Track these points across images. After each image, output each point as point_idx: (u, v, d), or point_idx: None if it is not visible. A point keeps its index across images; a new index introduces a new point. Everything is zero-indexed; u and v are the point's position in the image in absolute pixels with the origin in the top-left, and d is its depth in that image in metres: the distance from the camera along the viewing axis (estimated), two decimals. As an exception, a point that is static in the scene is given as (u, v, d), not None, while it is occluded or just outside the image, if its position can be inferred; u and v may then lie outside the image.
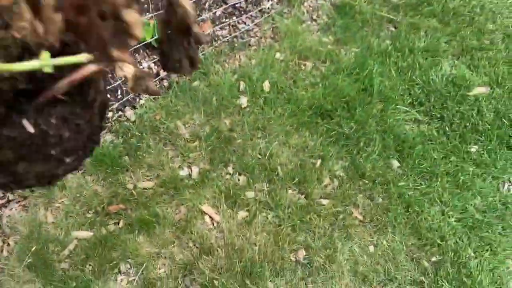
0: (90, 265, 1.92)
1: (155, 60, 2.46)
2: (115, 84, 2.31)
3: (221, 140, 2.21)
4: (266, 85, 2.36)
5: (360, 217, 2.00)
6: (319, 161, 2.15)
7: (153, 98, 2.36)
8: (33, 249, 1.91)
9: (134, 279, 1.90)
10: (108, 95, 2.36)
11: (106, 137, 2.23)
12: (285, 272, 1.87)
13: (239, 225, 1.99)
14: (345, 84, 2.34)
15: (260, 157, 2.17)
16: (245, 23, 2.66)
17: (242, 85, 2.37)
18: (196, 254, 1.93)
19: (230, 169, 2.15)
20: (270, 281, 1.86)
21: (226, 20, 2.63)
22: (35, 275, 1.88)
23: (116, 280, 1.90)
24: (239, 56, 2.51)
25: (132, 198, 2.05)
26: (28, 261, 1.89)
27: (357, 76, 2.38)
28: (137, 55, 2.52)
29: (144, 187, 2.09)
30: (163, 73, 2.45)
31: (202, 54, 2.51)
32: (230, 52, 2.53)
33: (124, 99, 2.32)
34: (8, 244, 1.97)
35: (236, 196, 2.05)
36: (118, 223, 2.02)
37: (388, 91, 2.33)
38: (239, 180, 2.12)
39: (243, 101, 2.33)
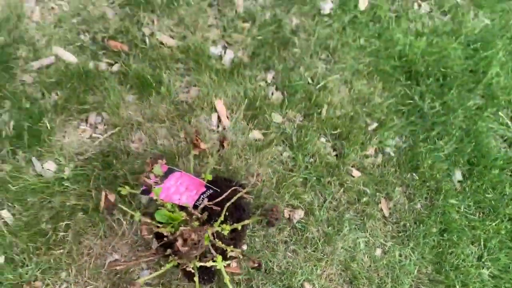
0: (56, 94, 1.58)
1: None
2: None
3: (277, 37, 1.79)
4: (364, 3, 1.88)
5: (386, 212, 1.66)
6: (374, 125, 1.76)
7: None
8: None
9: (98, 138, 1.58)
10: None
11: (147, -42, 1.79)
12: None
13: (246, 144, 1.64)
14: (454, 53, 1.87)
15: (310, 82, 1.77)
16: None
17: (335, -13, 1.89)
18: (180, 148, 1.60)
19: (269, 77, 1.76)
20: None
21: None
22: (-11, 71, 1.55)
23: (78, 127, 1.59)
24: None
25: (143, 45, 1.67)
26: (-12, 50, 1.55)
27: (474, 52, 1.91)
28: None
29: (162, 42, 1.70)
30: None
31: None
32: None
33: None
34: (-25, 19, 1.62)
35: (260, 111, 1.69)
36: (112, 65, 1.66)
37: (498, 90, 1.88)
38: (272, 94, 1.74)
39: (327, 6, 1.87)
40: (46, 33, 1.62)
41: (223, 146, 1.26)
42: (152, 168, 1.17)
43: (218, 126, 1.68)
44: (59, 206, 1.47)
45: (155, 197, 1.18)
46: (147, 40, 1.68)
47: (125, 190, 1.22)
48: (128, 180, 1.52)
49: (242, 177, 1.60)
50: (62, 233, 1.45)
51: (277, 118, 1.70)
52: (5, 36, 1.56)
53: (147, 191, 1.19)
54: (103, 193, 1.12)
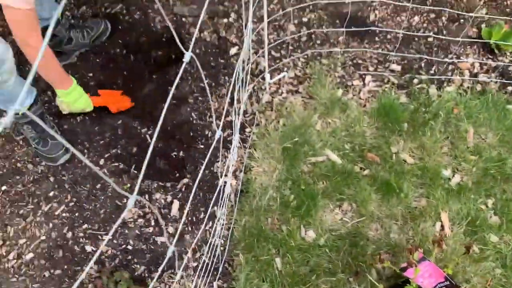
0: (323, 183, 2.21)
1: (481, 60, 2.50)
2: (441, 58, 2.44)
3: (499, 172, 2.19)
4: None
5: None
6: None
7: (463, 93, 2.43)
8: (294, 139, 2.29)
9: (347, 222, 2.13)
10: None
11: (401, 97, 2.42)
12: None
13: (464, 254, 2.01)
14: None
15: (527, 214, 2.10)
16: None
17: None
18: (408, 244, 2.05)
19: (489, 203, 2.14)
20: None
21: None
22: (282, 159, 2.26)
23: (333, 211, 2.17)
24: None
25: (390, 160, 2.24)
26: (286, 145, 2.28)
27: None
28: (468, 47, 2.59)
29: (404, 159, 2.25)
30: (481, 77, 2.48)
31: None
32: None
33: (437, 76, 2.46)
34: (278, 122, 2.39)
35: (479, 229, 2.06)
36: (364, 170, 2.25)
37: None
38: (491, 217, 2.11)
39: (547, 154, 2.23)
40: (322, 139, 2.31)
41: (468, 252, 1.68)
42: (413, 254, 1.65)
43: (439, 234, 2.09)
44: (315, 265, 2.02)
45: (412, 276, 1.63)
46: (393, 156, 2.25)
47: (387, 264, 1.71)
48: (364, 259, 2.01)
49: (458, 280, 1.96)
50: (315, 287, 1.98)
51: (493, 238, 2.05)
52: (298, 137, 2.29)
53: (406, 269, 1.66)
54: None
